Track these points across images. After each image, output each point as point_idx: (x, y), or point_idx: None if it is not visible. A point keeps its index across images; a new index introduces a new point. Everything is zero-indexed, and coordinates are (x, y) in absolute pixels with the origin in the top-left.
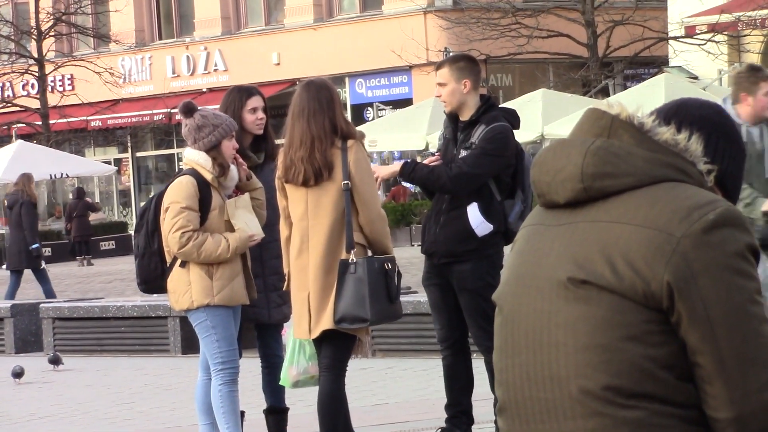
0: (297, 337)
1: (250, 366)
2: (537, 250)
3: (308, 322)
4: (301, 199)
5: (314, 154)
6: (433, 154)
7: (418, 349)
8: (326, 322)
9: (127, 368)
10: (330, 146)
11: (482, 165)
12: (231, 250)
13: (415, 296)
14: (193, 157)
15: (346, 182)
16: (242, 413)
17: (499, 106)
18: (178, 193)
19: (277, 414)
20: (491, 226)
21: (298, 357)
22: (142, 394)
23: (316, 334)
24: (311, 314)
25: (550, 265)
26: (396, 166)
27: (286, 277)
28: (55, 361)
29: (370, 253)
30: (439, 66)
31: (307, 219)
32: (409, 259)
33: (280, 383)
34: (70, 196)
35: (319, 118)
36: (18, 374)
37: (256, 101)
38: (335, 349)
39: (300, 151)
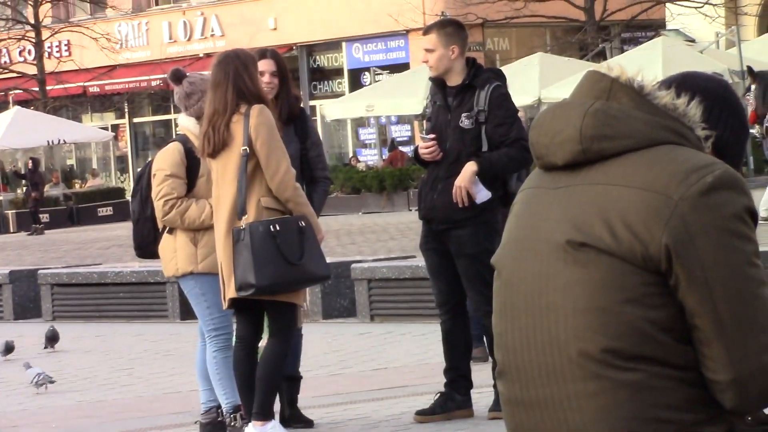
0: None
1: None
2: (535, 213)
3: (224, 291)
4: (213, 169)
5: (217, 126)
6: (423, 139)
7: (416, 313)
8: (231, 291)
9: (125, 334)
10: (231, 115)
11: (523, 128)
12: None
13: (414, 261)
14: (185, 123)
15: (244, 148)
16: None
17: (487, 68)
18: (164, 161)
19: (290, 381)
20: (490, 193)
21: None
22: (141, 359)
23: (225, 304)
24: (225, 283)
25: (549, 228)
26: (472, 167)
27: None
28: (52, 338)
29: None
30: (426, 31)
31: (218, 188)
32: (407, 224)
33: None
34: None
35: (222, 89)
36: (8, 349)
37: (263, 65)
38: (273, 317)
39: (207, 123)
